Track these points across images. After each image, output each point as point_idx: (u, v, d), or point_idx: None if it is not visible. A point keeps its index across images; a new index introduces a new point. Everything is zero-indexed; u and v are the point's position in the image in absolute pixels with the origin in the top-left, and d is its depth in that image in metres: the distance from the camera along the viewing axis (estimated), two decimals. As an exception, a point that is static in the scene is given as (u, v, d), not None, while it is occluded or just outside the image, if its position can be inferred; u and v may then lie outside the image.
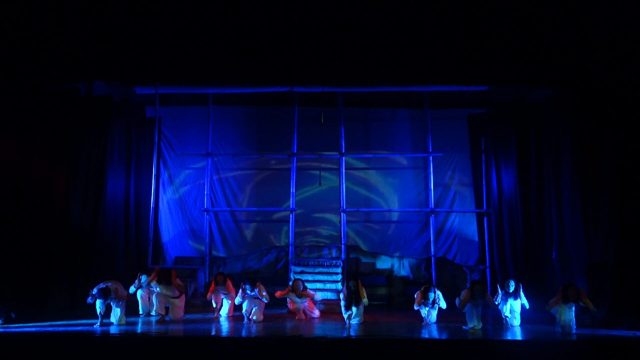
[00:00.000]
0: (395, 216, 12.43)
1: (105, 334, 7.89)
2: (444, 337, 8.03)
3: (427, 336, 8.05)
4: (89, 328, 8.25)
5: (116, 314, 8.67)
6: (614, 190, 9.07)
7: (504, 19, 9.50)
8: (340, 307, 9.11)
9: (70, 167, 10.41)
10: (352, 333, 8.05)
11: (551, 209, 10.52)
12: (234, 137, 12.61)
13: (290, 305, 9.86)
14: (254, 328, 8.55)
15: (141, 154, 11.92)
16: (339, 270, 11.00)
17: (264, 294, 9.22)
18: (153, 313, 9.51)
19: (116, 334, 7.97)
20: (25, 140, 9.93)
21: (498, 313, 9.09)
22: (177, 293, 9.38)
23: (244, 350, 7.41)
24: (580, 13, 9.03)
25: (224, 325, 9.02)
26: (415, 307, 9.18)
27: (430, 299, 9.01)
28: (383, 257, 11.76)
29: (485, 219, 12.04)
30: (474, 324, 8.42)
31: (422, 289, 9.24)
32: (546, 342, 7.73)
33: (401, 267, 11.63)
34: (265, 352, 7.31)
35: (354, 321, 8.86)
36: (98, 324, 8.42)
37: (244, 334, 8.18)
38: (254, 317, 9.14)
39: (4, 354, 7.29)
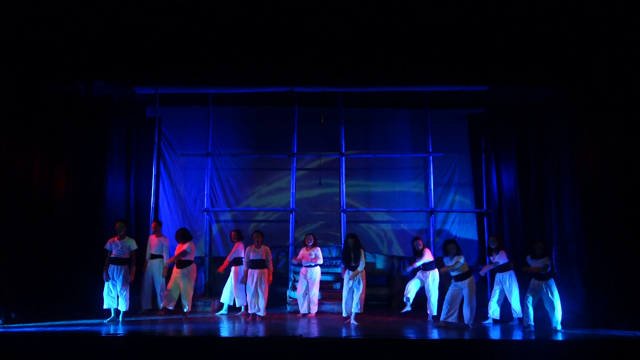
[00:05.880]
0: (395, 216, 12.43)
1: (105, 334, 7.87)
2: (443, 337, 8.02)
3: (427, 336, 8.05)
4: (89, 328, 8.25)
5: (122, 301, 8.94)
6: (614, 190, 9.06)
7: (504, 19, 9.48)
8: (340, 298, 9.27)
9: (70, 167, 10.42)
10: (352, 333, 8.06)
11: (551, 209, 10.51)
12: (234, 137, 12.62)
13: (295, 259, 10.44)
14: (254, 328, 8.55)
15: (141, 154, 11.92)
16: (339, 270, 11.00)
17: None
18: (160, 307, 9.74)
19: (116, 334, 7.96)
20: (26, 140, 9.92)
21: (495, 312, 9.08)
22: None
23: (244, 350, 7.40)
24: (580, 13, 9.01)
25: (224, 325, 9.02)
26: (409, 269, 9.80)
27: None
28: (383, 257, 11.75)
29: (485, 219, 12.03)
30: (444, 316, 8.64)
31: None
32: (546, 342, 7.74)
33: (401, 267, 11.62)
34: (265, 352, 7.30)
35: (356, 298, 8.92)
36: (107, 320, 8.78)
37: (244, 334, 8.18)
38: (259, 313, 9.22)
39: (4, 354, 7.28)
